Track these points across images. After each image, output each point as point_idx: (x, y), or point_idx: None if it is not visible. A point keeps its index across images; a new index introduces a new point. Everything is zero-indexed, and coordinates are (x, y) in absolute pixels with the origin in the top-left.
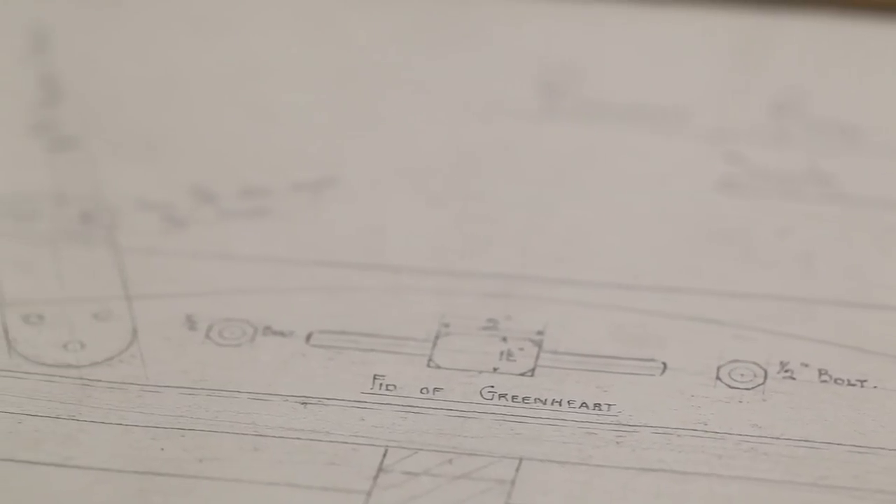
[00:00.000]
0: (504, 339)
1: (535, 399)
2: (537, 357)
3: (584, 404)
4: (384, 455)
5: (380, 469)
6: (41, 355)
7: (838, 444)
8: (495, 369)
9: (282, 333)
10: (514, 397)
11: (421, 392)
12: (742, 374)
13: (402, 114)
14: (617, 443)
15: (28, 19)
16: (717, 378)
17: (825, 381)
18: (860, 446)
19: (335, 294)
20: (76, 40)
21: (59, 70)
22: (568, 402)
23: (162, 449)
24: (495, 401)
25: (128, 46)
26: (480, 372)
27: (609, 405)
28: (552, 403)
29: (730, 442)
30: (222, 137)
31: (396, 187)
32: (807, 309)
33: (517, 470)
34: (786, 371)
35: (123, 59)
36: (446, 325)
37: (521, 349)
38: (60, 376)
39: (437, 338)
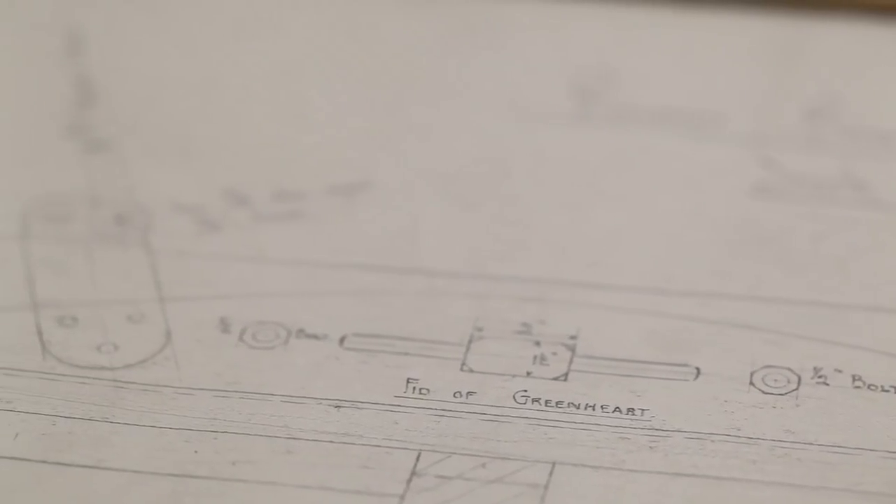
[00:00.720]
0: (537, 344)
1: (569, 403)
2: (571, 361)
3: (617, 409)
4: (417, 459)
5: (413, 473)
6: (75, 357)
7: (872, 450)
8: (529, 373)
9: (315, 336)
10: (547, 401)
11: (454, 396)
12: (775, 380)
13: (436, 118)
14: (650, 448)
15: (63, 21)
16: (751, 383)
17: (858, 387)
18: (894, 452)
19: (369, 297)
20: (111, 42)
21: (93, 72)
22: (601, 406)
23: (195, 451)
24: (529, 405)
25: (162, 49)
26: (514, 376)
27: (642, 410)
28: (585, 408)
29: (763, 447)
30: (257, 140)
31: (430, 191)
32: (840, 314)
33: (550, 474)
34: (819, 377)
35: (158, 61)
36: (480, 329)
37: (555, 353)
38: (94, 378)
39: (470, 342)
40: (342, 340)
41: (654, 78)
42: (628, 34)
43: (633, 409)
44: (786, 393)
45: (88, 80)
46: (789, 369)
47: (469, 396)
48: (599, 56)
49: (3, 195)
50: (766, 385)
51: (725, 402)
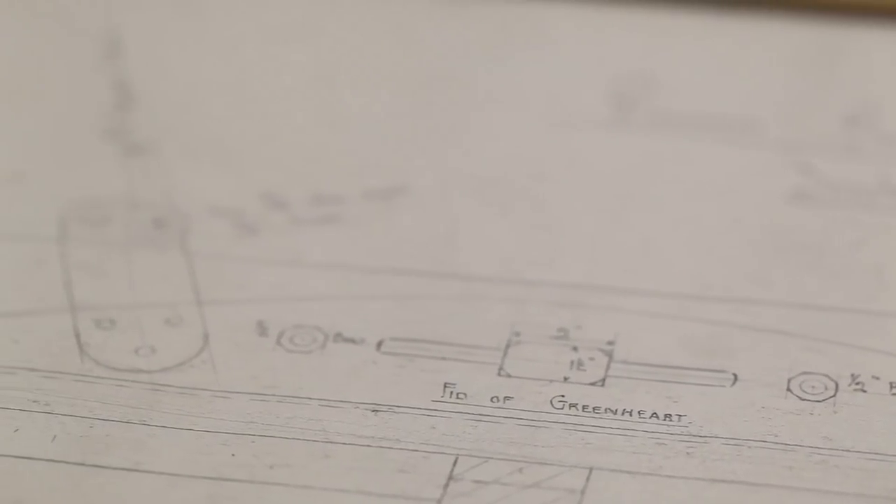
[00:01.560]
0: (574, 349)
1: (606, 409)
2: (608, 367)
3: (654, 414)
4: (454, 463)
5: (450, 477)
6: (112, 360)
7: None
8: (566, 378)
9: (353, 340)
10: (584, 407)
11: (491, 400)
12: (813, 386)
13: (473, 122)
14: (687, 453)
15: (102, 25)
16: (788, 390)
17: None
18: None
19: (406, 302)
20: (150, 46)
21: (132, 75)
22: (638, 412)
23: (233, 455)
24: (566, 410)
25: (200, 52)
26: (551, 381)
27: (679, 416)
28: (622, 413)
29: (800, 454)
30: (294, 144)
31: (467, 196)
32: (878, 321)
33: (587, 479)
34: (857, 383)
35: (196, 64)
36: (517, 334)
37: (592, 359)
38: (131, 381)
39: (507, 346)
40: (379, 345)
41: (691, 84)
42: (666, 40)
43: (670, 414)
44: (823, 399)
45: (127, 84)
46: (827, 376)
47: (506, 401)
48: (637, 62)
49: (42, 198)
50: (804, 391)
51: (763, 408)
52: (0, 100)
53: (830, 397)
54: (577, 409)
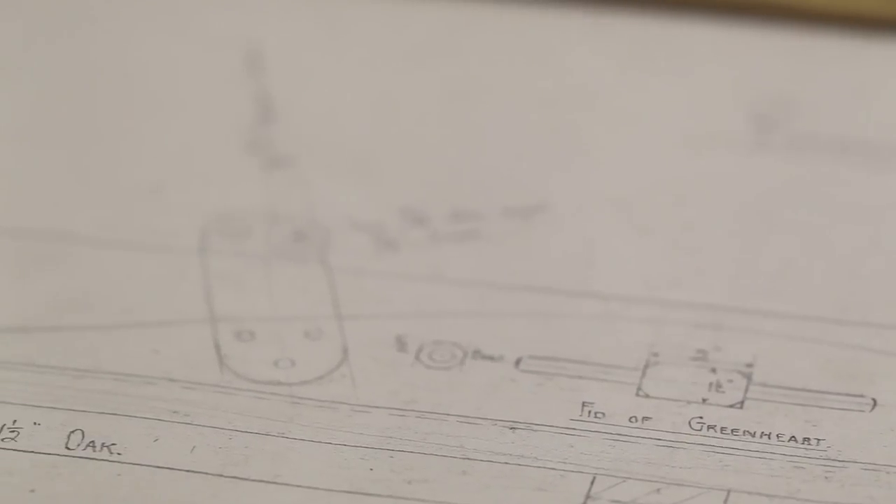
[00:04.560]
0: (713, 371)
1: (744, 431)
2: (746, 389)
3: (792, 438)
4: (592, 482)
5: (587, 496)
6: (252, 372)
7: None
8: (704, 400)
9: (491, 357)
10: (722, 429)
11: (630, 420)
12: None
13: (612, 141)
14: (826, 478)
15: (244, 39)
16: None
17: None
18: None
19: (545, 320)
20: (290, 60)
21: (273, 89)
22: (777, 435)
23: (371, 469)
24: (704, 432)
25: (341, 66)
26: (689, 402)
27: (818, 440)
28: (761, 436)
29: None
30: (434, 160)
31: (606, 215)
32: None
33: (725, 501)
34: None
35: (337, 78)
36: (656, 355)
37: (731, 381)
38: (271, 393)
39: (646, 367)
40: (518, 362)
41: (833, 107)
42: (808, 62)
43: (808, 438)
44: None
45: (268, 97)
46: None
47: (644, 421)
48: (778, 83)
49: (183, 210)
50: None
51: None
52: (144, 113)
53: None
54: (716, 431)
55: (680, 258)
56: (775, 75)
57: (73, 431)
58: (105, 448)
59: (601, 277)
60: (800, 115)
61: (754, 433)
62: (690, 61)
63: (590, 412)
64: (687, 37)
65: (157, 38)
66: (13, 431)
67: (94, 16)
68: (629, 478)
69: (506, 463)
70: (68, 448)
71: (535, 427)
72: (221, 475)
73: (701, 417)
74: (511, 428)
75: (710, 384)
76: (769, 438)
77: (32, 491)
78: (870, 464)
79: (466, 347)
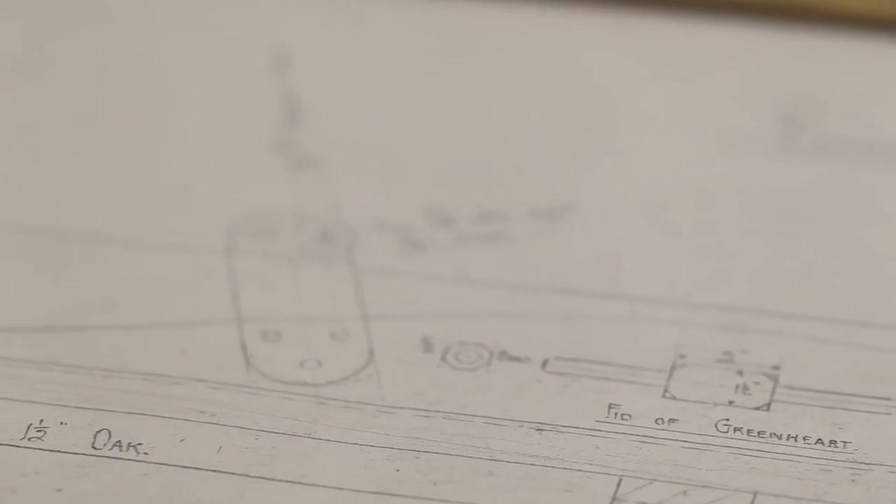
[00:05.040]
0: (740, 373)
1: (771, 434)
2: (773, 391)
3: (819, 440)
4: (618, 484)
5: (614, 498)
6: (278, 372)
7: None
8: (731, 402)
9: (518, 359)
10: (749, 431)
11: (656, 422)
12: None
13: (639, 143)
14: (853, 481)
15: (270, 39)
16: None
17: None
18: None
19: (571, 321)
20: (317, 60)
21: (300, 89)
22: (804, 438)
23: (397, 470)
24: (730, 434)
25: (368, 67)
26: (716, 404)
27: (845, 443)
28: (787, 439)
29: None
30: (460, 160)
31: (633, 217)
32: None
33: None
34: None
35: (363, 78)
36: (682, 357)
37: (757, 383)
38: (297, 394)
39: (672, 369)
40: (544, 363)
41: (860, 109)
42: (835, 64)
43: (835, 441)
44: None
45: (295, 97)
46: None
47: (671, 423)
48: (806, 86)
49: (210, 210)
50: None
51: None
52: (171, 113)
53: None
54: (742, 434)
55: (706, 260)
56: (802, 77)
57: (99, 431)
58: (132, 448)
59: (628, 279)
60: (826, 118)
61: (781, 436)
62: (717, 63)
63: (616, 414)
64: (713, 39)
65: (185, 39)
66: (40, 431)
67: (122, 17)
68: (655, 480)
69: (532, 464)
70: (95, 448)
71: (562, 428)
72: (248, 475)
73: (727, 419)
74: (537, 429)
75: (737, 386)
76: (796, 441)
77: (59, 490)
78: None
79: (493, 348)
